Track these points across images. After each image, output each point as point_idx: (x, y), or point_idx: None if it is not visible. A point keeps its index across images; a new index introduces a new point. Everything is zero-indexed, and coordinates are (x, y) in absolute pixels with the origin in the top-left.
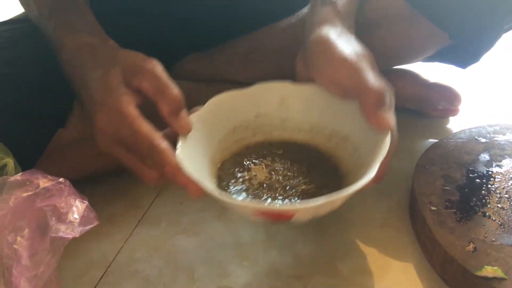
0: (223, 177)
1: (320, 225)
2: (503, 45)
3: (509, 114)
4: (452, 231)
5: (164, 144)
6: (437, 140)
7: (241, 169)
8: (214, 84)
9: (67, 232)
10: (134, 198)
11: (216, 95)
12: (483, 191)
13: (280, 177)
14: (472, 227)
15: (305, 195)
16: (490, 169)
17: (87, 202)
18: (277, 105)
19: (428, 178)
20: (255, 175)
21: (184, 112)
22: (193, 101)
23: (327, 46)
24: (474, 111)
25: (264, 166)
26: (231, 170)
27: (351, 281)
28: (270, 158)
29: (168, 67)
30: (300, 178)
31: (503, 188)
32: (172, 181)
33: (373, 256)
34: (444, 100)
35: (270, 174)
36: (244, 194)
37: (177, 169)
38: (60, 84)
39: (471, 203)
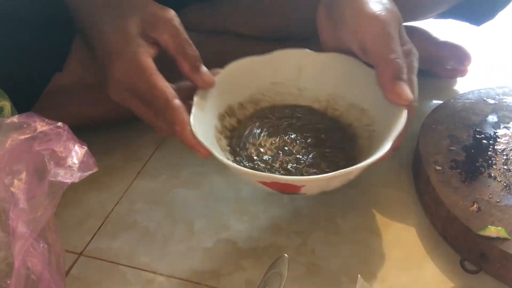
0: (237, 141)
1: None
2: None
3: None
4: (456, 191)
5: (177, 102)
6: (444, 101)
7: (256, 134)
8: (216, 35)
9: (66, 177)
10: (133, 150)
11: (236, 60)
12: (489, 152)
13: (296, 144)
14: (477, 188)
15: (320, 164)
16: (497, 131)
17: (86, 148)
18: (295, 73)
19: (434, 137)
20: (270, 140)
21: (204, 67)
22: None
23: None
24: (483, 72)
25: (279, 132)
26: (245, 134)
27: (351, 237)
28: (286, 124)
29: None
30: (316, 147)
31: (510, 150)
32: (180, 141)
33: (374, 214)
34: (453, 59)
35: (285, 140)
36: (256, 159)
37: (187, 131)
38: (58, 26)
39: (477, 164)
